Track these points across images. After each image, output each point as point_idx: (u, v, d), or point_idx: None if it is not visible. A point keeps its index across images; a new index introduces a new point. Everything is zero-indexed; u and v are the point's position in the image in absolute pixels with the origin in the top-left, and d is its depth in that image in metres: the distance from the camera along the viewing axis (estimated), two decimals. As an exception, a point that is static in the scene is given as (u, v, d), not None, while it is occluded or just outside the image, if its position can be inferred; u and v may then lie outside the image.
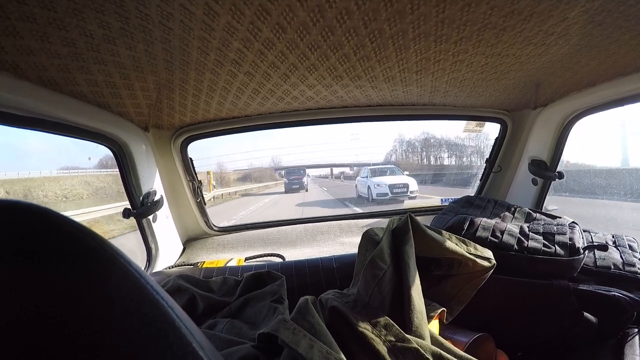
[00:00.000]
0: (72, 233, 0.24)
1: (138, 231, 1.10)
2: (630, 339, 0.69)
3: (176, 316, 0.26)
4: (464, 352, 0.57)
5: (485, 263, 0.70)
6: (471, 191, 1.62)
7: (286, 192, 20.71)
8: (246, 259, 1.24)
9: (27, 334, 0.20)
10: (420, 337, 0.55)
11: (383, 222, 1.45)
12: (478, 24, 0.62)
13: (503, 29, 0.64)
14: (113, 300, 0.23)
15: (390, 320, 0.55)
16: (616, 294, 0.72)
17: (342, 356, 0.48)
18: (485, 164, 1.46)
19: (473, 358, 0.53)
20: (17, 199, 0.24)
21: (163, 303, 0.26)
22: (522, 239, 0.83)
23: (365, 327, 0.54)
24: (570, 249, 0.78)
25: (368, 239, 0.74)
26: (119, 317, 0.23)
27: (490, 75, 0.90)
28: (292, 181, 21.54)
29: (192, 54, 0.68)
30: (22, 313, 0.20)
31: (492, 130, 1.40)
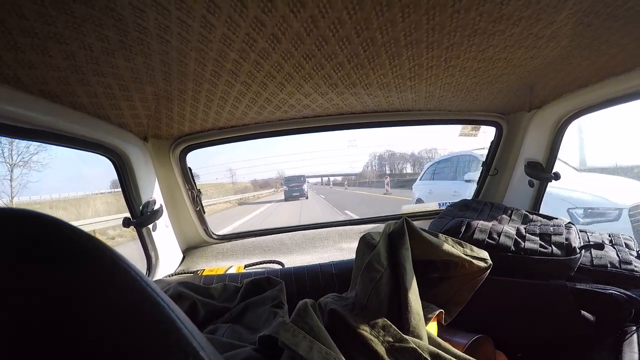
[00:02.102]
0: (76, 240, 0.25)
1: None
2: (629, 337, 0.69)
3: (177, 317, 0.27)
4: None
5: (482, 264, 0.71)
6: (468, 194, 1.63)
7: (286, 199, 20.65)
8: (246, 266, 1.24)
9: (31, 336, 0.20)
10: (418, 337, 0.55)
11: (381, 227, 1.46)
12: (468, 30, 0.63)
13: (493, 33, 0.65)
14: (116, 302, 0.24)
15: (388, 322, 0.56)
16: (613, 292, 0.72)
17: (342, 357, 0.48)
18: (481, 167, 1.47)
19: (471, 358, 0.54)
20: (25, 208, 0.25)
21: (164, 305, 0.26)
22: (519, 240, 0.84)
23: (363, 329, 0.54)
24: (567, 248, 0.79)
25: (365, 243, 0.75)
26: (121, 317, 0.24)
27: (484, 80, 0.91)
28: (292, 188, 21.50)
29: (189, 65, 0.70)
30: (28, 315, 0.21)
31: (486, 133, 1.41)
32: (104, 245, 0.26)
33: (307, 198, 20.47)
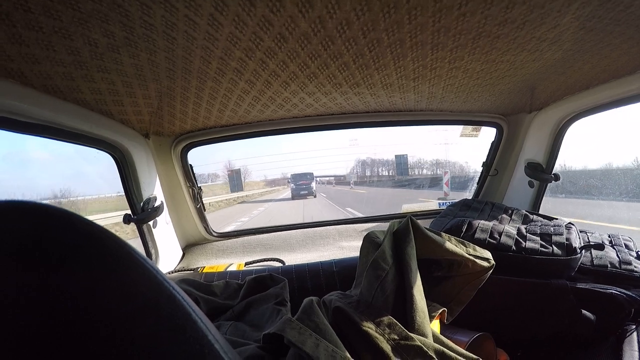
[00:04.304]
0: (92, 234, 0.25)
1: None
2: (629, 336, 0.70)
3: (192, 310, 0.27)
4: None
5: (485, 263, 0.72)
6: (469, 194, 1.64)
7: (293, 198, 20.60)
8: (246, 263, 1.24)
9: (48, 329, 0.20)
10: (423, 335, 0.56)
11: (381, 226, 1.46)
12: (473, 33, 0.63)
13: (497, 36, 0.65)
14: (133, 296, 0.24)
15: (394, 319, 0.56)
16: (613, 291, 0.73)
17: (348, 355, 0.48)
18: (482, 168, 1.48)
19: (474, 356, 0.54)
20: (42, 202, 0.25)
21: (179, 298, 0.27)
22: (520, 240, 0.85)
23: (369, 326, 0.55)
24: (567, 248, 0.79)
25: (370, 241, 0.75)
26: (138, 311, 0.24)
27: (486, 81, 0.91)
28: (299, 186, 21.37)
29: (194, 63, 0.70)
30: (44, 308, 0.21)
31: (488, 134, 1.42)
32: (120, 239, 0.26)
33: (315, 197, 20.48)
